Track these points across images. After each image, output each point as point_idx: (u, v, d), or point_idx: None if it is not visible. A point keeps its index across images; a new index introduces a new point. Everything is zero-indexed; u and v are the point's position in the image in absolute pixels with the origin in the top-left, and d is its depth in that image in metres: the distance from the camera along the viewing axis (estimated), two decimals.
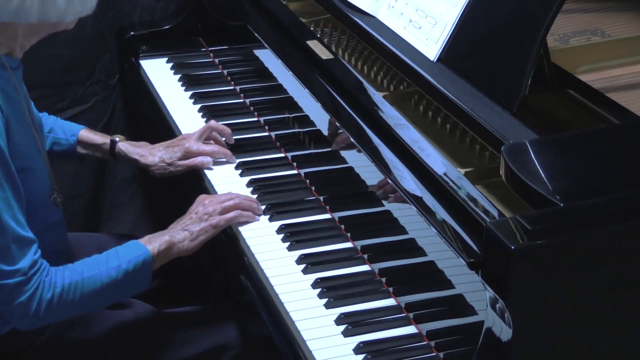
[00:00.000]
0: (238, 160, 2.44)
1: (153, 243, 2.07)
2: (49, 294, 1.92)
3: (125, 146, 2.42)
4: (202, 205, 2.17)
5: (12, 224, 1.89)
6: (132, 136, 2.52)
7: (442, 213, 1.78)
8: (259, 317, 2.04)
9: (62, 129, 2.41)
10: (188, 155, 2.41)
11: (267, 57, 2.63)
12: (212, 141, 2.47)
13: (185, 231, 2.12)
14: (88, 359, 2.16)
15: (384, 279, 2.04)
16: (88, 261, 2.01)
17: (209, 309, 2.29)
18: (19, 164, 1.93)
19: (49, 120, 2.40)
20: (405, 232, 1.99)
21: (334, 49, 2.38)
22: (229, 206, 2.18)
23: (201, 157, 2.40)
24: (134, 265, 2.01)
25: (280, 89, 2.56)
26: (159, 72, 2.89)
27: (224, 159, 2.44)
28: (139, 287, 2.07)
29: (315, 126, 2.36)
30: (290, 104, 2.47)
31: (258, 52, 2.74)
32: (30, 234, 1.93)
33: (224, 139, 2.48)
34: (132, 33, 2.98)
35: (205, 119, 2.63)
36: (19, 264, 1.89)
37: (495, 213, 1.71)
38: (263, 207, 2.26)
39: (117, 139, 2.43)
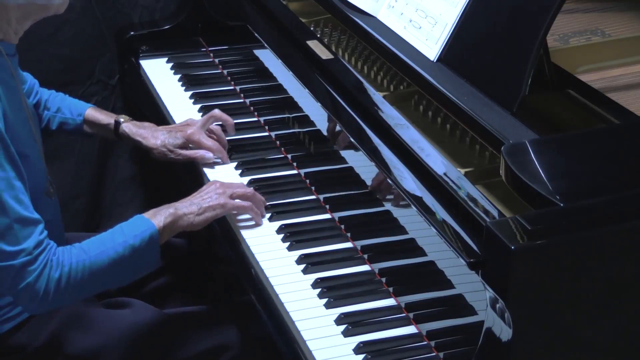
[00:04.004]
0: (238, 160, 2.45)
1: (158, 217, 2.06)
2: (57, 272, 1.90)
3: (128, 127, 2.43)
4: (214, 185, 2.18)
5: (14, 204, 1.87)
6: None
7: (442, 213, 1.78)
8: (259, 317, 2.04)
9: (69, 109, 2.42)
10: (188, 142, 2.41)
11: (267, 57, 2.62)
12: (214, 135, 2.47)
13: (192, 205, 2.11)
14: (88, 359, 2.16)
15: (384, 279, 2.04)
16: (94, 239, 1.99)
17: (209, 309, 2.29)
18: (15, 150, 1.92)
19: (56, 99, 2.42)
20: (405, 232, 1.99)
21: (334, 49, 2.38)
22: (240, 193, 2.18)
23: (203, 151, 2.41)
24: (141, 240, 2.00)
25: (280, 89, 2.55)
26: (159, 72, 2.89)
27: (220, 161, 2.44)
28: (148, 264, 2.06)
29: (315, 126, 2.36)
30: (290, 104, 2.47)
31: (258, 52, 2.74)
32: (35, 215, 1.91)
33: (227, 136, 2.48)
34: (132, 33, 2.98)
35: None
36: (23, 244, 1.87)
37: (495, 213, 1.71)
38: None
39: (122, 119, 2.44)
